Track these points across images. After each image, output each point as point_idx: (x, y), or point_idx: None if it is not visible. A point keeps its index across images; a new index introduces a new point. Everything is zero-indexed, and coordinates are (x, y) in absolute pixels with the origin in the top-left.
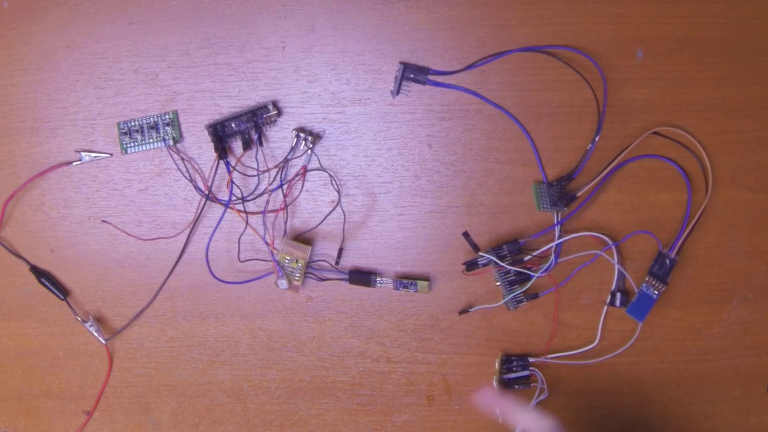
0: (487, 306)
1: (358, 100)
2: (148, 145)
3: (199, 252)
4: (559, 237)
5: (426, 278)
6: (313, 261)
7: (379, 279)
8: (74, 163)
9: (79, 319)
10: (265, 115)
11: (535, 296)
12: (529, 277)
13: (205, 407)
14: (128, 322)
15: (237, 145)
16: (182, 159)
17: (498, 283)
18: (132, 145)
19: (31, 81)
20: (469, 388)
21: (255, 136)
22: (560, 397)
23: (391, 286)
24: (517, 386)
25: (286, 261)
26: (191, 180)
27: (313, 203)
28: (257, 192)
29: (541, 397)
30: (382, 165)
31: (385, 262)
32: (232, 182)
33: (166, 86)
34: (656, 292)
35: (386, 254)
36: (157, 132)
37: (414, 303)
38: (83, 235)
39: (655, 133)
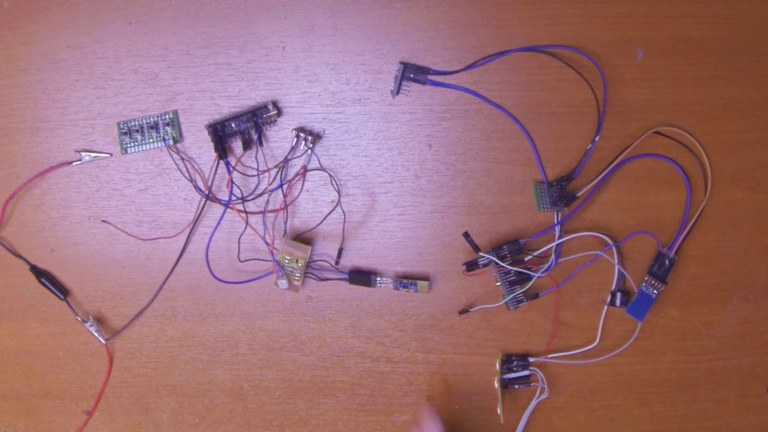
0: (487, 306)
1: (358, 100)
2: (148, 145)
3: (199, 252)
4: (560, 237)
5: (426, 278)
6: (313, 261)
7: (379, 279)
8: (74, 163)
9: (79, 319)
10: (265, 115)
11: (536, 296)
12: (529, 277)
13: (205, 407)
14: (128, 322)
15: (237, 145)
16: (182, 159)
17: (498, 283)
18: (132, 145)
19: (31, 81)
20: (469, 388)
21: (255, 136)
22: (560, 397)
23: (391, 286)
24: (517, 386)
25: (286, 261)
26: (191, 180)
27: (313, 203)
28: (257, 192)
29: (542, 397)
30: (382, 165)
31: (385, 262)
32: (232, 182)
33: (166, 86)
34: (655, 291)
35: (386, 254)
36: (157, 132)
37: (414, 303)
38: (83, 235)
39: (655, 132)
